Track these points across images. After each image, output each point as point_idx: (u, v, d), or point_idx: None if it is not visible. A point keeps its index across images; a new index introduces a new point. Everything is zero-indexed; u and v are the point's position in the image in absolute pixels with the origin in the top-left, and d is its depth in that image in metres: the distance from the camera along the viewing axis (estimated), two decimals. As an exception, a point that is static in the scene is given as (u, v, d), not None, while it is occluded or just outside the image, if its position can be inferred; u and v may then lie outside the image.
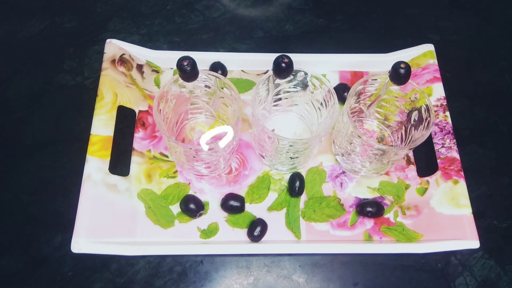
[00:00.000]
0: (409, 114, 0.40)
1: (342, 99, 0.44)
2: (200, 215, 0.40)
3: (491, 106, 0.48)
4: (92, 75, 0.47)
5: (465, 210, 0.38)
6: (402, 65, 0.36)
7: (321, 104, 0.39)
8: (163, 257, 0.39)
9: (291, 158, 0.39)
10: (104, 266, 0.38)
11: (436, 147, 0.42)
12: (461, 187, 0.39)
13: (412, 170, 0.43)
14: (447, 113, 0.43)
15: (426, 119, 0.37)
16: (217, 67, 0.45)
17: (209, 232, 0.39)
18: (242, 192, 0.41)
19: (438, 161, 0.41)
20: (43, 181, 0.42)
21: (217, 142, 0.35)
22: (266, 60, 0.45)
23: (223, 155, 0.38)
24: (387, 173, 0.43)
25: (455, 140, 0.42)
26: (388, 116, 0.42)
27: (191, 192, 0.41)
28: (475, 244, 0.37)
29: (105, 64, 0.43)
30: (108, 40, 0.44)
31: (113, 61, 0.44)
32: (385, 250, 0.38)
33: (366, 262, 0.39)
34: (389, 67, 0.37)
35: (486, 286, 0.39)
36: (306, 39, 0.52)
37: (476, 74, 0.50)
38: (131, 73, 0.45)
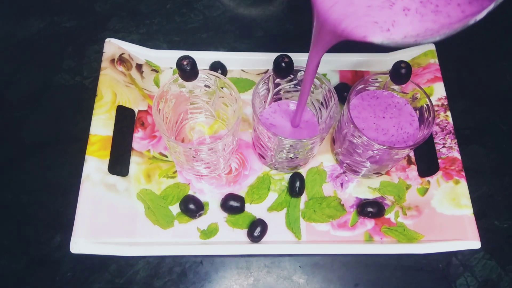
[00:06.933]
0: (410, 114, 0.40)
1: (342, 99, 0.43)
2: (200, 215, 0.40)
3: (492, 106, 0.48)
4: (91, 74, 0.47)
5: (466, 210, 0.38)
6: (403, 65, 0.36)
7: (322, 104, 0.39)
8: (162, 258, 0.39)
9: (291, 158, 0.39)
10: (103, 267, 0.38)
11: (437, 147, 0.42)
12: (462, 187, 0.39)
13: (413, 170, 0.43)
14: (448, 113, 0.43)
15: (427, 119, 0.37)
16: (217, 67, 0.45)
17: (208, 232, 0.39)
18: (242, 192, 0.41)
19: (439, 161, 0.41)
20: (42, 181, 0.42)
21: (217, 142, 0.34)
22: (266, 59, 0.45)
23: (223, 155, 0.38)
24: (387, 173, 0.42)
25: (456, 140, 0.42)
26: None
27: (190, 192, 0.41)
28: (476, 244, 0.36)
29: (104, 63, 0.43)
30: (107, 40, 0.44)
31: (112, 61, 0.43)
32: (386, 251, 0.38)
33: (367, 263, 0.39)
34: (390, 67, 0.37)
35: (487, 287, 0.38)
36: (306, 39, 0.51)
37: (477, 74, 0.50)
38: (131, 73, 0.44)
